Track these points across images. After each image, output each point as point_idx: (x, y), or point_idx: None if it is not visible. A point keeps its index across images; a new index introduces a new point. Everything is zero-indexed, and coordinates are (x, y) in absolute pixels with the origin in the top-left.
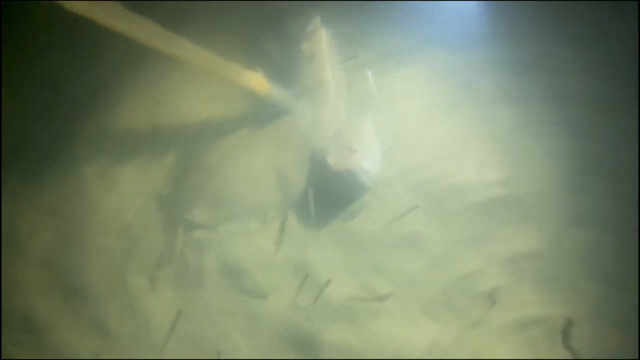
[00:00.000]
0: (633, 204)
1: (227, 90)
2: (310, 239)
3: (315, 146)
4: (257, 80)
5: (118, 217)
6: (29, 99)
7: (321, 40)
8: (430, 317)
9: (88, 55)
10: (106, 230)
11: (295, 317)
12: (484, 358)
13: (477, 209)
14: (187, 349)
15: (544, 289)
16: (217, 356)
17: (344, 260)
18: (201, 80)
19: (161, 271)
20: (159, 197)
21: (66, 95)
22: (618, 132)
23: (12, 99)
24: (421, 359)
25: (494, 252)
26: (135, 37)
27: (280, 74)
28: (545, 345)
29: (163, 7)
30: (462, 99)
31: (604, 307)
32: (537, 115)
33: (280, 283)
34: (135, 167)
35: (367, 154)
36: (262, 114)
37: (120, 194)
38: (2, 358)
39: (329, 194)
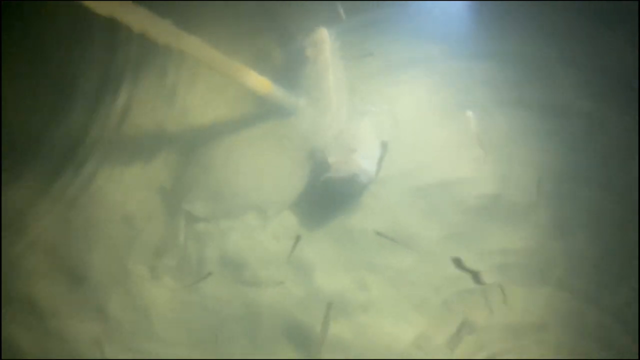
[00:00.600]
0: (620, 214)
1: (232, 90)
2: (308, 235)
3: (315, 146)
4: (261, 81)
5: (122, 208)
6: (41, 93)
7: (324, 44)
8: (420, 312)
9: (98, 52)
10: (110, 219)
11: (290, 309)
12: (483, 357)
13: (470, 210)
14: (186, 336)
15: (530, 287)
16: (215, 341)
17: (339, 256)
18: (207, 79)
19: (163, 261)
20: (162, 190)
21: (77, 91)
22: (610, 143)
23: (24, 94)
24: (421, 359)
25: (484, 250)
26: (147, 32)
27: (283, 75)
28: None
29: (172, 9)
30: (460, 106)
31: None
32: (531, 124)
33: (277, 275)
34: (140, 160)
35: (366, 155)
36: (265, 114)
37: (125, 185)
38: (4, 339)
39: (328, 193)
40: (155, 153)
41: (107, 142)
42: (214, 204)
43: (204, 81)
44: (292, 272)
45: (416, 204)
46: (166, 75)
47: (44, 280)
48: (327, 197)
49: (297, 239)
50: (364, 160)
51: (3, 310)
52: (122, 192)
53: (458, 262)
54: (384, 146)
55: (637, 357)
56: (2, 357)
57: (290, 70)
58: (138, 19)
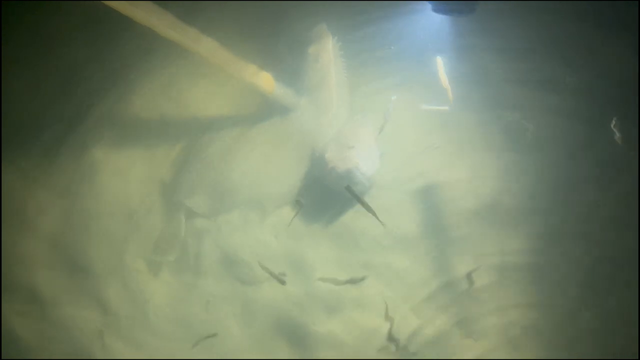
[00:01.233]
0: (616, 221)
1: (234, 86)
2: (305, 232)
3: (315, 144)
4: (263, 78)
5: (123, 201)
6: (44, 84)
7: (327, 43)
8: (414, 312)
9: (102, 45)
10: (111, 212)
11: (287, 306)
12: (483, 358)
13: (467, 214)
14: (183, 331)
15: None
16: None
17: (336, 255)
18: (210, 75)
19: (162, 256)
20: (163, 184)
21: (80, 83)
22: (608, 150)
23: (28, 84)
24: (421, 358)
25: (481, 254)
26: (153, 26)
27: (285, 73)
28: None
29: (176, 6)
30: (459, 111)
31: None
32: (529, 129)
33: (275, 271)
34: (142, 155)
35: (364, 155)
36: (266, 111)
37: (126, 180)
38: (5, 328)
39: (325, 191)
40: (156, 147)
41: (109, 135)
42: (213, 199)
43: (207, 76)
44: (290, 268)
45: (415, 205)
46: (171, 69)
47: (45, 270)
48: (325, 193)
49: (299, 204)
50: (362, 161)
51: (3, 299)
52: (124, 185)
53: (349, 189)
54: (384, 148)
55: (637, 357)
56: (2, 345)
57: (292, 67)
58: (144, 14)
